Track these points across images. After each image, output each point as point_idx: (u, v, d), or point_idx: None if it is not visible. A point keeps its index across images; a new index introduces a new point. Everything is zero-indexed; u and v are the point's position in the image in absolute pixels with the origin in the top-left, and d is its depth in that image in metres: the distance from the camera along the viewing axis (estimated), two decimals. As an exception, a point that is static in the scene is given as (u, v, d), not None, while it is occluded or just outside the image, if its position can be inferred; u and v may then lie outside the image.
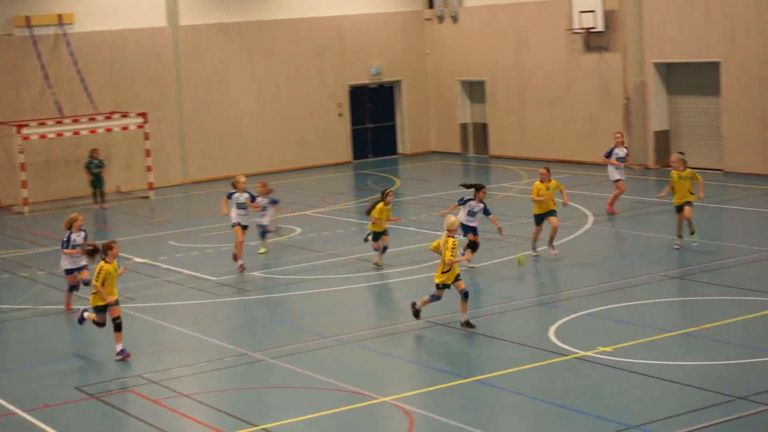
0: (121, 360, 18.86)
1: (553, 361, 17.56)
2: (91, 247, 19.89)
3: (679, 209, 24.55)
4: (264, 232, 26.87)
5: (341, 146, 44.24)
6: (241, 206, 25.35)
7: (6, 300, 24.10)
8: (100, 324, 19.30)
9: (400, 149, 45.93)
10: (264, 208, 26.44)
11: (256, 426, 15.43)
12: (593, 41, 38.97)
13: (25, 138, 36.26)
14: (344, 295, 22.93)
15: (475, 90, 44.47)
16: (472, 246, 23.84)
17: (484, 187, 23.91)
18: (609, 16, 38.12)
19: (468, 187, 24.28)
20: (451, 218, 19.57)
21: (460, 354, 18.37)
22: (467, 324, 19.44)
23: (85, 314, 19.64)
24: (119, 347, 18.96)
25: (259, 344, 19.56)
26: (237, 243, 25.19)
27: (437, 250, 19.54)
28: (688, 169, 24.60)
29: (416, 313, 19.98)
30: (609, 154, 29.46)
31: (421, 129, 45.87)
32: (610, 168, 29.41)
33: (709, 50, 35.66)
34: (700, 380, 16.19)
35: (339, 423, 15.47)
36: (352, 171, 42.46)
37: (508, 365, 17.57)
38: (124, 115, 38.03)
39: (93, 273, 19.38)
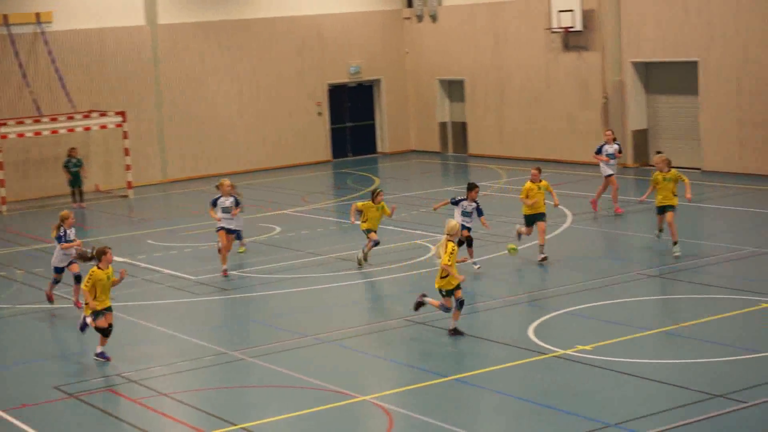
0: (97, 360, 18.73)
1: (532, 359, 17.59)
2: (85, 253, 19.49)
3: (661, 210, 24.20)
4: (240, 234, 26.56)
5: (320, 145, 44.22)
6: (226, 210, 25.05)
7: (-16, 299, 24.03)
8: (101, 329, 18.70)
9: (380, 148, 45.95)
10: (228, 210, 26.00)
11: (235, 425, 15.41)
12: (572, 40, 39.06)
13: (3, 137, 36.12)
14: (324, 294, 22.92)
15: (454, 89, 44.52)
16: (468, 242, 23.54)
17: (477, 186, 23.69)
18: (587, 16, 38.21)
19: (468, 185, 23.90)
20: (452, 222, 19.17)
21: (440, 353, 18.38)
22: (455, 331, 19.01)
23: (88, 320, 18.92)
24: (100, 349, 18.81)
25: (238, 343, 19.55)
26: (222, 248, 24.86)
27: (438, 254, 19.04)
28: (673, 170, 24.12)
29: (418, 306, 19.62)
30: (599, 151, 29.44)
31: (401, 128, 45.90)
32: (602, 164, 29.36)
33: (687, 49, 35.78)
34: (678, 378, 16.24)
35: (318, 422, 15.47)
36: (331, 170, 42.45)
37: (487, 364, 17.59)
38: (103, 114, 37.92)
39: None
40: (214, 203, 24.96)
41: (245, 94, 42.48)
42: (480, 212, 23.47)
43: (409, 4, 45.18)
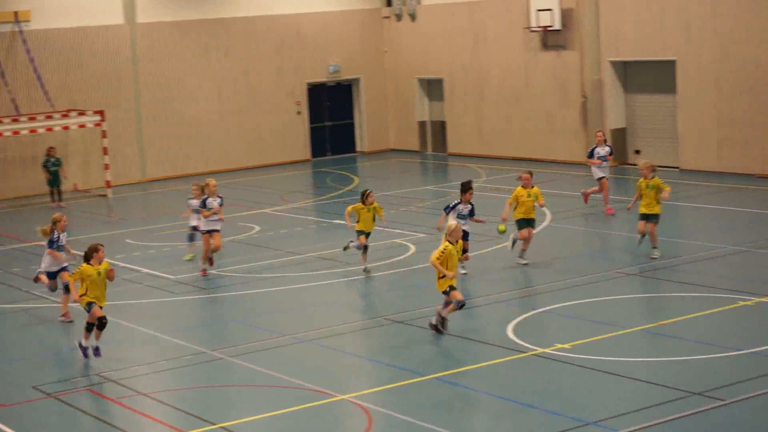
0: (82, 355, 18.54)
1: (511, 358, 17.61)
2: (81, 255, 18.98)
3: (644, 217, 23.66)
4: (192, 236, 26.05)
5: (300, 144, 44.19)
6: (196, 211, 24.79)
7: (-38, 299, 23.94)
8: (92, 324, 18.39)
9: (359, 147, 45.94)
10: (198, 211, 25.82)
11: (214, 424, 15.40)
12: (550, 39, 39.13)
13: (-19, 136, 36.05)
14: (303, 293, 22.91)
15: (433, 88, 44.55)
16: (464, 235, 23.01)
17: (471, 188, 23.10)
18: (566, 15, 38.28)
19: (462, 185, 23.25)
20: (452, 224, 19.03)
21: (419, 351, 18.38)
22: (436, 328, 18.83)
23: (83, 342, 18.69)
24: (88, 342, 18.52)
25: (217, 342, 19.52)
26: (208, 248, 24.52)
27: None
28: (656, 178, 23.66)
29: (437, 328, 19.02)
30: (591, 154, 29.25)
31: (380, 127, 45.90)
32: (594, 167, 29.11)
33: (665, 49, 35.90)
34: (657, 376, 16.30)
35: (297, 421, 15.47)
36: (310, 169, 42.43)
37: (466, 362, 17.62)
38: (81, 113, 37.81)
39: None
40: (203, 204, 24.55)
41: (224, 93, 42.42)
42: (472, 213, 22.99)
43: (388, 3, 45.19)
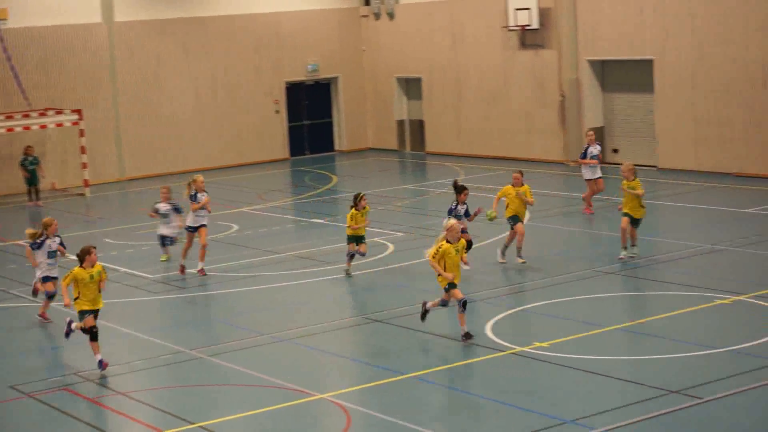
0: (103, 370, 17.81)
1: (490, 356, 17.65)
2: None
3: (626, 215, 23.41)
4: (164, 242, 25.94)
5: (278, 143, 44.17)
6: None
7: (-61, 299, 23.84)
8: (86, 330, 17.97)
9: (337, 146, 45.95)
10: (166, 216, 25.72)
11: (193, 424, 15.38)
12: (528, 38, 39.20)
13: (-42, 135, 35.91)
14: (281, 292, 22.90)
15: (411, 87, 44.58)
16: (467, 245, 22.95)
17: (466, 188, 23.01)
18: (544, 14, 38.36)
19: (456, 187, 23.11)
20: (450, 221, 18.86)
21: (397, 350, 18.39)
22: (467, 335, 18.37)
23: (73, 325, 18.50)
24: (98, 358, 17.93)
25: (195, 342, 19.49)
26: (189, 246, 24.50)
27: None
28: (637, 180, 23.45)
29: (423, 315, 19.10)
30: (584, 155, 29.05)
31: (358, 126, 45.91)
32: (586, 168, 28.92)
33: (642, 48, 36.01)
34: (634, 375, 16.35)
35: (276, 420, 15.47)
36: (289, 168, 42.42)
37: (445, 361, 17.64)
38: (59, 112, 37.70)
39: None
40: (194, 197, 24.27)
41: (202, 92, 42.36)
42: (467, 214, 22.80)
43: (367, 2, 45.20)
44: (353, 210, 23.29)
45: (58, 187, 39.08)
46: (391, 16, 44.30)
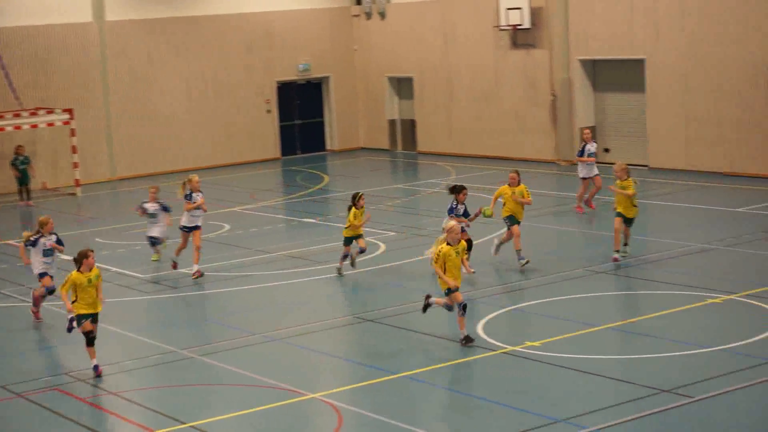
0: (97, 375, 17.67)
1: (482, 356, 17.65)
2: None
3: (619, 215, 23.36)
4: (153, 242, 25.83)
5: (269, 142, 44.14)
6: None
7: (-71, 298, 23.78)
8: (85, 333, 17.84)
9: (329, 145, 45.93)
10: (154, 216, 25.63)
11: (184, 424, 15.36)
12: (520, 38, 39.22)
13: (-51, 134, 35.83)
14: (273, 291, 22.88)
15: (403, 86, 44.58)
16: (468, 245, 22.76)
17: (464, 188, 22.83)
18: (535, 14, 38.38)
19: (452, 190, 22.94)
20: (450, 222, 18.74)
21: (389, 350, 18.39)
22: (467, 339, 18.17)
23: (74, 322, 18.12)
24: (93, 362, 17.84)
25: (187, 341, 19.47)
26: (183, 246, 24.36)
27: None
28: (629, 179, 23.36)
29: (425, 308, 18.97)
30: (582, 152, 29.01)
31: (350, 125, 45.90)
32: (583, 165, 28.88)
33: (633, 48, 36.04)
34: (625, 374, 16.37)
35: (268, 420, 15.45)
36: (280, 167, 42.40)
37: (437, 361, 17.63)
38: (50, 112, 37.64)
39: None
40: (188, 197, 24.11)
41: (194, 91, 42.32)
42: (466, 214, 22.68)
43: (358, 2, 45.20)
44: (354, 209, 23.25)
45: (49, 186, 39.02)
46: (382, 15, 44.30)
